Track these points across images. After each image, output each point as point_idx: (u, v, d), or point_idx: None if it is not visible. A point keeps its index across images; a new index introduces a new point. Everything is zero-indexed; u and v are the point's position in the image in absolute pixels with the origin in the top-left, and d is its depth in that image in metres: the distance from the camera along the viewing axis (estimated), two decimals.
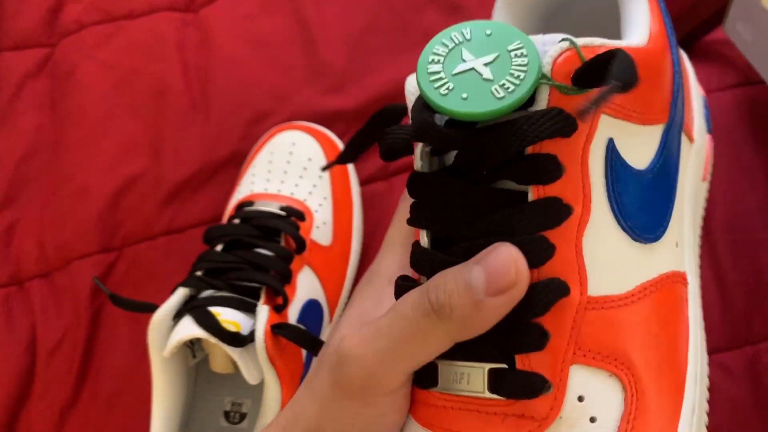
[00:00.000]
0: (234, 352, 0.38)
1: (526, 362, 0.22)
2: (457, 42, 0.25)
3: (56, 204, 0.56)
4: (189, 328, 0.38)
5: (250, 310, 0.41)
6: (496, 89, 0.22)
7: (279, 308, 0.41)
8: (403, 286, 0.25)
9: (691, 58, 0.59)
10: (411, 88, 0.27)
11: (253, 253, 0.43)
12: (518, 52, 0.23)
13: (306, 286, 0.45)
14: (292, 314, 0.43)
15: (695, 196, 0.29)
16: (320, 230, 0.48)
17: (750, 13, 0.50)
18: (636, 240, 0.23)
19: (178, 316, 0.40)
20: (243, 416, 0.46)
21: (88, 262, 0.54)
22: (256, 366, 0.39)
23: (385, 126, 0.27)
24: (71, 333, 0.52)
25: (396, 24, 0.60)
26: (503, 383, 0.22)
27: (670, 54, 0.26)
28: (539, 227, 0.22)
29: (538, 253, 0.22)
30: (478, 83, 0.23)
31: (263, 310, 0.40)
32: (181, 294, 0.41)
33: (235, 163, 0.55)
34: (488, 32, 0.25)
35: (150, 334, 0.40)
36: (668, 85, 0.25)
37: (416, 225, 0.25)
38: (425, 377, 0.24)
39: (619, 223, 0.23)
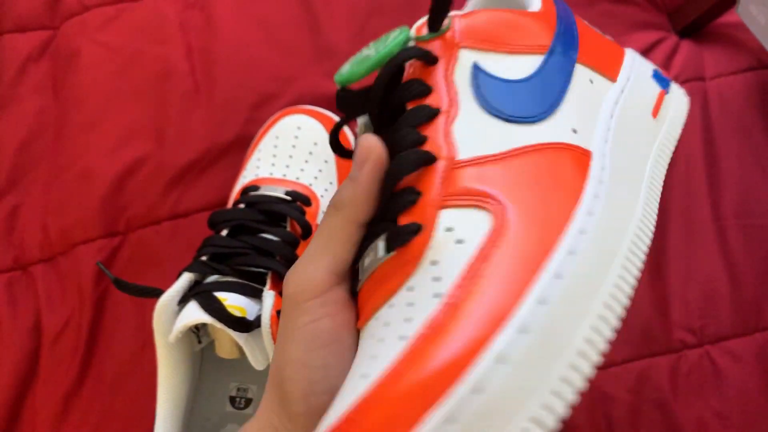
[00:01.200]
0: (240, 338, 0.38)
1: (404, 219, 0.27)
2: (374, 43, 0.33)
3: (59, 188, 0.55)
4: (195, 313, 0.38)
5: (256, 295, 0.40)
6: (368, 56, 0.31)
7: None
8: None
9: (703, 40, 0.59)
10: None
11: (259, 238, 0.43)
12: (395, 34, 0.31)
13: None
14: None
15: (647, 126, 0.35)
16: None
17: None
18: (508, 121, 0.29)
19: (183, 301, 0.40)
20: (248, 401, 0.46)
21: (92, 246, 0.54)
22: (261, 351, 0.39)
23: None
24: (75, 318, 0.52)
25: (401, 6, 0.59)
26: (390, 242, 0.27)
27: (555, 16, 0.34)
28: (413, 124, 0.29)
29: (410, 139, 0.28)
30: (360, 58, 0.31)
31: (269, 296, 0.39)
32: (186, 279, 0.40)
33: (239, 146, 0.55)
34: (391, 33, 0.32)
35: (155, 319, 0.39)
36: (546, 32, 0.33)
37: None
38: (354, 287, 0.29)
39: (489, 112, 0.29)
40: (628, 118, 0.34)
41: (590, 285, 0.24)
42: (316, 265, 0.27)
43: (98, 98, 0.57)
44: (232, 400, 0.46)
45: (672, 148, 0.36)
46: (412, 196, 0.27)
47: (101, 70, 0.58)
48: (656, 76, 0.39)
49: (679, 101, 0.39)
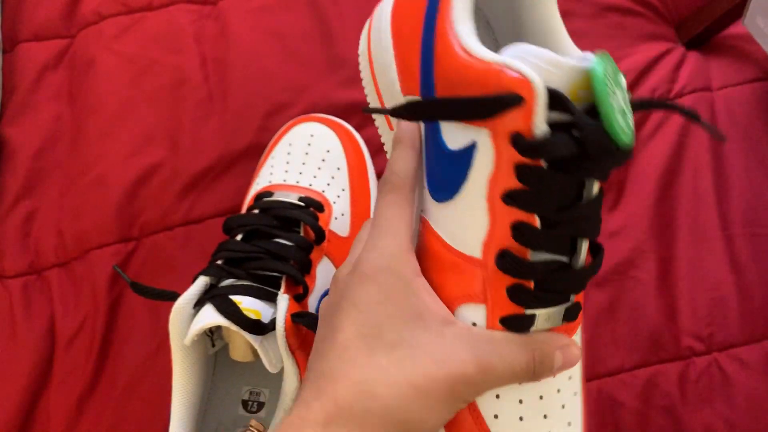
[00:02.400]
0: (255, 341, 0.39)
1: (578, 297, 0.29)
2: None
3: (75, 194, 0.56)
4: (211, 316, 0.38)
5: (270, 299, 0.41)
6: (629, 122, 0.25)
7: (299, 297, 0.41)
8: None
9: (709, 51, 0.60)
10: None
11: (273, 243, 0.44)
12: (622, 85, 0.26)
13: (325, 276, 0.45)
14: (312, 304, 0.43)
15: None
16: (338, 221, 0.48)
17: None
18: None
19: (198, 304, 0.40)
20: (261, 405, 0.46)
21: (107, 251, 0.54)
22: (276, 354, 0.39)
23: (486, 112, 0.26)
24: (89, 322, 0.53)
25: None
26: (568, 313, 0.29)
27: None
28: None
29: None
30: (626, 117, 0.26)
31: (284, 299, 0.40)
32: (201, 282, 0.41)
33: (252, 154, 0.55)
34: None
35: (171, 322, 0.40)
36: None
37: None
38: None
39: None
40: None
41: None
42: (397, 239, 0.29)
43: (113, 106, 0.58)
44: (245, 403, 0.46)
45: None
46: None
47: (117, 78, 0.59)
48: None
49: None
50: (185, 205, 0.55)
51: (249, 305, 0.40)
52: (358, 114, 0.56)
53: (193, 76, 0.59)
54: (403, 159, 0.30)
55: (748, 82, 0.58)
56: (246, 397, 0.46)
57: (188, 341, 0.39)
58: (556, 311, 0.28)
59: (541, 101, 0.24)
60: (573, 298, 0.28)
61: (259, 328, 0.39)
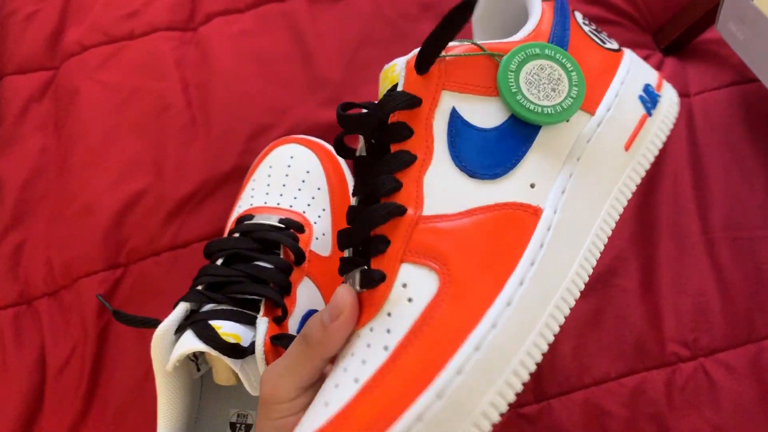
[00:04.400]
0: (235, 364, 0.39)
1: (375, 263, 0.30)
2: None
3: (62, 223, 0.57)
4: (190, 342, 0.39)
5: (250, 322, 0.41)
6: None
7: (279, 320, 0.42)
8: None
9: (686, 57, 0.60)
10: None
11: (253, 266, 0.44)
12: None
13: (306, 296, 0.46)
14: (293, 325, 0.43)
15: (615, 163, 0.35)
16: (320, 241, 0.49)
17: (742, 12, 0.51)
18: (472, 176, 0.31)
19: (180, 330, 0.41)
20: (249, 427, 0.46)
21: (95, 279, 0.55)
22: (257, 377, 0.40)
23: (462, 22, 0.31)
24: (79, 350, 0.53)
25: (391, 35, 0.60)
26: (362, 280, 0.31)
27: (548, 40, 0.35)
28: (391, 170, 0.31)
29: (387, 188, 0.31)
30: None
31: (263, 322, 0.40)
32: (182, 308, 0.41)
33: (236, 177, 0.56)
34: None
35: (153, 349, 0.40)
36: None
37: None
38: None
39: (456, 164, 0.31)
40: (597, 157, 0.34)
41: (503, 356, 0.27)
42: (285, 380, 0.31)
43: (98, 135, 0.59)
44: (233, 426, 0.46)
45: (640, 176, 0.36)
46: (382, 245, 0.31)
47: (101, 107, 0.60)
48: (646, 92, 0.38)
49: (664, 114, 0.38)
50: (171, 230, 0.56)
51: (229, 330, 0.40)
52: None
53: (175, 102, 0.59)
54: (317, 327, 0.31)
55: (725, 87, 0.58)
56: (234, 419, 0.47)
57: (170, 367, 0.40)
58: (356, 275, 0.32)
59: None
60: (371, 262, 0.31)
61: (239, 352, 0.39)
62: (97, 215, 0.56)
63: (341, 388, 0.28)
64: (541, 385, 0.50)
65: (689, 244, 0.53)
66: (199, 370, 0.44)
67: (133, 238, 0.56)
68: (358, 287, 0.31)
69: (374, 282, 0.30)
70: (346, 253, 0.34)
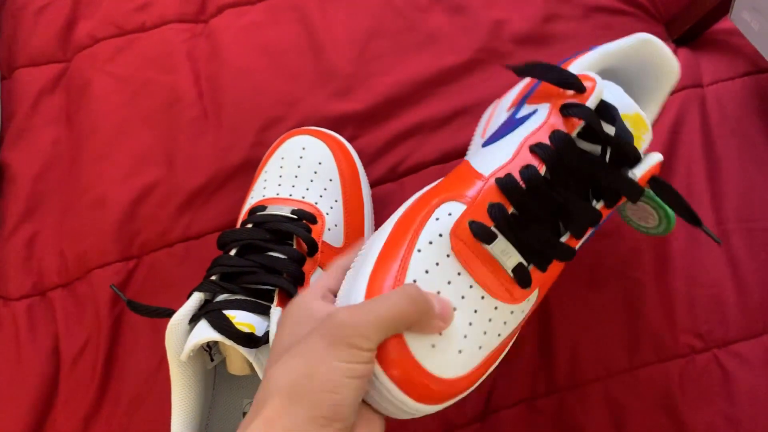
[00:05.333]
0: (249, 354, 0.39)
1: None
2: None
3: (75, 215, 0.57)
4: (204, 332, 0.39)
5: (264, 312, 0.41)
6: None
7: None
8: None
9: (699, 47, 0.60)
10: None
11: (266, 257, 0.44)
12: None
13: None
14: None
15: None
16: (332, 232, 0.49)
17: (756, 1, 0.50)
18: None
19: (194, 320, 0.41)
20: None
21: (108, 270, 0.55)
22: None
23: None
24: (93, 340, 0.53)
25: (401, 26, 0.60)
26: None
27: None
28: None
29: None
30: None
31: (276, 312, 0.40)
32: (196, 299, 0.42)
33: (247, 169, 0.56)
34: None
35: (167, 339, 0.40)
36: None
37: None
38: None
39: None
40: None
41: None
42: (377, 333, 0.31)
43: (110, 127, 0.59)
44: (246, 415, 0.46)
45: None
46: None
47: (112, 99, 0.60)
48: None
49: None
50: (183, 221, 0.56)
51: (243, 319, 0.40)
52: (350, 126, 0.57)
53: (186, 95, 0.59)
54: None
55: (739, 77, 0.58)
56: (247, 409, 0.47)
57: (184, 357, 0.40)
58: (511, 250, 0.34)
59: (596, 94, 0.37)
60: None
61: (253, 342, 0.39)
62: (110, 207, 0.56)
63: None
64: (555, 377, 0.50)
65: (703, 235, 0.52)
66: (212, 360, 0.45)
67: (146, 229, 0.56)
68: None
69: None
70: None
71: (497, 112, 0.47)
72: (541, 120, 0.37)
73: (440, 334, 0.33)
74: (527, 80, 0.46)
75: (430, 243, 0.35)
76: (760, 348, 0.49)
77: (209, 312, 0.40)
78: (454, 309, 0.34)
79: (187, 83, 0.60)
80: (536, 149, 0.36)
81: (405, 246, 0.35)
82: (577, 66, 0.43)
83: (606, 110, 0.37)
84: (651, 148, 0.55)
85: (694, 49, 0.60)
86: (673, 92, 0.57)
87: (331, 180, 0.51)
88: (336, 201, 0.51)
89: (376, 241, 0.36)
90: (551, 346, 0.51)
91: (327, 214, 0.49)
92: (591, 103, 0.37)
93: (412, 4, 0.61)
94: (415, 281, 0.33)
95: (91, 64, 0.62)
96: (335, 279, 0.37)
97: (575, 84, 0.37)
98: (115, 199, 0.57)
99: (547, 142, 0.36)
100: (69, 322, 0.54)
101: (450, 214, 0.35)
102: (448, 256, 0.34)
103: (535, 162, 0.35)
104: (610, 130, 0.36)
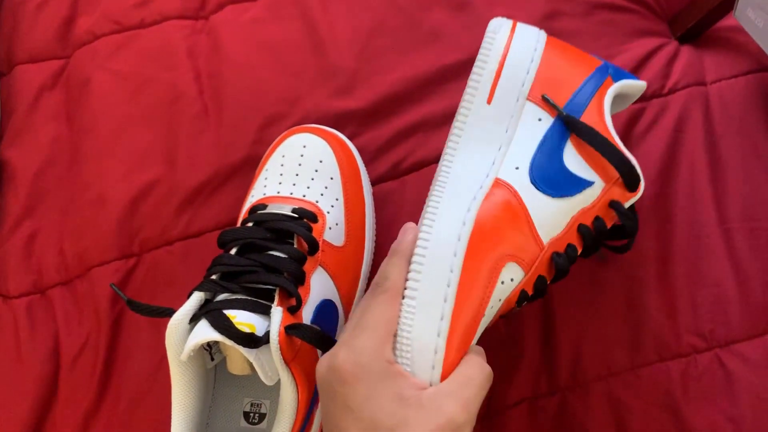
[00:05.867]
0: (249, 354, 0.39)
1: None
2: None
3: (75, 213, 0.57)
4: (205, 332, 0.39)
5: (264, 312, 0.41)
6: None
7: (293, 309, 0.42)
8: None
9: (703, 45, 0.59)
10: None
11: (267, 256, 0.44)
12: None
13: (320, 286, 0.45)
14: (307, 315, 0.43)
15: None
16: (333, 231, 0.49)
17: None
18: None
19: (194, 319, 0.41)
20: (262, 416, 0.46)
21: (108, 269, 0.55)
22: (271, 367, 0.40)
23: None
24: (93, 339, 0.53)
25: (403, 23, 0.60)
26: None
27: None
28: None
29: None
30: None
31: (277, 312, 0.40)
32: (196, 298, 0.41)
33: (248, 167, 0.56)
34: None
35: (167, 338, 0.40)
36: None
37: None
38: None
39: None
40: None
41: None
42: (477, 402, 0.34)
43: (110, 124, 0.59)
44: (246, 415, 0.46)
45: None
46: None
47: (112, 96, 0.60)
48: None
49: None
50: (184, 219, 0.56)
51: (243, 319, 0.40)
52: (351, 123, 0.57)
53: (187, 92, 0.59)
54: (399, 268, 0.36)
55: (743, 75, 0.57)
56: (247, 408, 0.47)
57: (184, 357, 0.40)
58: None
59: (638, 196, 0.42)
60: None
61: (254, 342, 0.39)
62: (110, 205, 0.56)
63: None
64: (557, 376, 0.50)
65: (706, 235, 0.52)
66: (213, 359, 0.45)
67: (146, 227, 0.56)
68: None
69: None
70: None
71: (507, 77, 0.43)
72: (593, 199, 0.40)
73: None
74: (534, 61, 0.44)
75: (491, 307, 0.38)
76: (762, 348, 0.49)
77: (209, 312, 0.40)
78: None
79: (188, 80, 0.60)
80: (583, 230, 0.40)
81: (474, 314, 0.36)
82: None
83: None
84: (653, 147, 0.55)
85: (697, 46, 0.59)
86: (676, 91, 0.57)
87: (332, 178, 0.51)
88: (337, 199, 0.50)
89: (436, 296, 0.36)
90: (553, 345, 0.51)
91: (328, 212, 0.49)
92: (630, 203, 0.42)
93: (414, 2, 0.61)
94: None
95: (91, 61, 0.61)
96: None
97: (633, 179, 0.41)
98: (116, 196, 0.56)
99: (591, 227, 0.41)
100: (69, 321, 0.54)
101: (512, 280, 0.38)
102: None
103: (577, 243, 0.41)
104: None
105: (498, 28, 0.43)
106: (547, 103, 0.41)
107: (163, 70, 0.60)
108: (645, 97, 0.56)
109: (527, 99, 0.41)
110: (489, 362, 0.37)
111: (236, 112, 0.58)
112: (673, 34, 0.60)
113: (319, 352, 0.43)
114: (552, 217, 0.39)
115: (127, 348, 0.53)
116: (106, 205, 0.56)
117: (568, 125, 0.41)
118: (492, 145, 0.41)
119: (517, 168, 0.40)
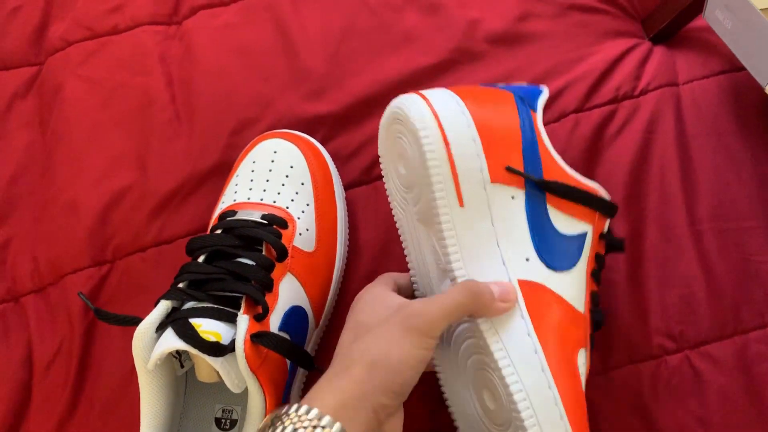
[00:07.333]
0: (215, 362, 0.39)
1: None
2: None
3: (48, 220, 0.57)
4: (170, 341, 0.39)
5: (231, 320, 0.41)
6: None
7: (260, 317, 0.42)
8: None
9: (675, 45, 0.59)
10: None
11: (235, 263, 0.44)
12: None
13: (289, 292, 0.45)
14: (275, 322, 0.43)
15: None
16: (303, 237, 0.49)
17: (728, 0, 0.50)
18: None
19: (161, 328, 0.41)
20: (233, 423, 0.47)
21: (81, 276, 0.55)
22: (238, 375, 0.40)
23: None
24: (66, 346, 0.53)
25: (375, 26, 0.60)
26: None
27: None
28: None
29: None
30: None
31: (243, 320, 0.40)
32: (163, 307, 0.41)
33: (220, 172, 0.56)
34: None
35: (134, 348, 0.40)
36: None
37: None
38: None
39: None
40: None
41: None
42: (443, 322, 0.37)
43: (83, 131, 0.59)
44: (218, 421, 0.47)
45: None
46: None
47: (85, 103, 0.60)
48: None
49: None
50: (156, 226, 0.56)
51: (209, 327, 0.40)
52: (324, 127, 0.57)
53: (159, 97, 0.59)
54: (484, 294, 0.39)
55: (714, 75, 0.57)
56: (219, 415, 0.47)
57: (151, 366, 0.40)
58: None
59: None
60: None
61: (219, 350, 0.39)
62: (83, 212, 0.56)
63: None
64: None
65: (676, 236, 0.52)
66: (182, 366, 0.45)
67: (119, 234, 0.56)
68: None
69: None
70: None
71: (464, 173, 0.41)
72: (591, 245, 0.43)
73: None
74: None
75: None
76: (730, 349, 0.49)
77: (175, 320, 0.40)
78: None
79: (160, 86, 0.59)
80: (595, 275, 0.43)
81: (583, 409, 0.40)
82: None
83: None
84: (625, 149, 0.55)
85: (670, 47, 0.59)
86: (647, 92, 0.57)
87: (302, 184, 0.51)
88: (308, 205, 0.50)
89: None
90: None
91: (298, 218, 0.49)
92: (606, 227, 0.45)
93: (386, 4, 0.60)
94: None
95: (64, 67, 0.61)
96: (403, 277, 0.46)
97: (612, 208, 0.44)
98: (88, 203, 0.56)
99: (597, 267, 0.44)
100: (42, 328, 0.54)
101: (584, 364, 0.41)
102: None
103: (595, 286, 0.43)
104: None
105: (422, 123, 0.39)
106: (512, 173, 0.40)
107: (136, 75, 0.60)
108: (617, 99, 0.56)
109: (492, 183, 0.40)
110: None
111: (208, 117, 0.58)
112: (646, 34, 0.60)
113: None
114: (578, 287, 0.41)
115: (100, 355, 0.53)
116: (78, 211, 0.56)
117: (542, 189, 0.41)
118: (490, 245, 0.40)
119: (527, 260, 0.41)
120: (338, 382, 0.35)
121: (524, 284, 0.40)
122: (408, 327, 0.36)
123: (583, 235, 0.42)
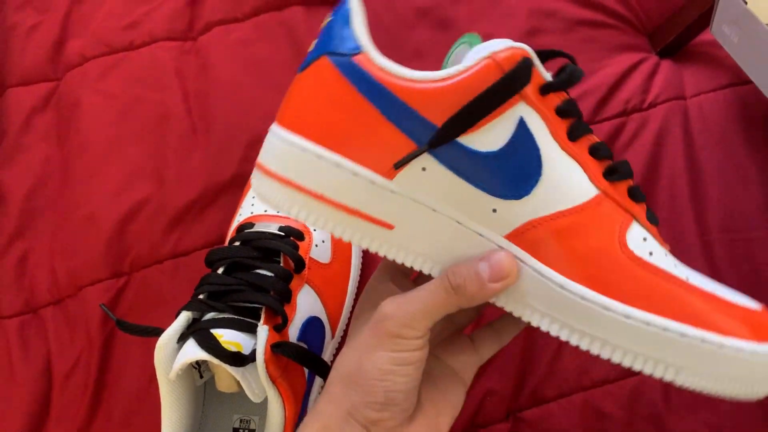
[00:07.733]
0: (236, 372, 0.40)
1: None
2: None
3: (66, 233, 0.58)
4: (192, 351, 0.39)
5: (251, 330, 0.42)
6: None
7: (279, 327, 0.42)
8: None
9: (682, 59, 0.60)
10: None
11: (253, 275, 0.45)
12: None
13: (306, 304, 0.46)
14: (293, 332, 0.44)
15: None
16: (319, 248, 0.49)
17: (735, 15, 0.51)
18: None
19: (182, 338, 0.41)
20: None
21: (99, 287, 0.56)
22: (258, 385, 0.40)
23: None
24: (85, 358, 0.54)
25: (388, 42, 0.61)
26: None
27: None
28: None
29: None
30: None
31: (263, 330, 0.41)
32: (184, 318, 0.42)
33: (236, 184, 0.57)
34: None
35: (156, 358, 0.41)
36: None
37: None
38: None
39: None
40: None
41: None
42: (420, 321, 0.33)
43: (100, 145, 0.60)
44: (236, 431, 0.47)
45: None
46: None
47: (102, 117, 0.61)
48: None
49: None
50: (173, 238, 0.57)
51: (230, 338, 0.41)
52: None
53: (176, 111, 0.60)
54: (472, 281, 0.33)
55: (721, 89, 0.58)
56: (237, 425, 0.47)
57: (172, 376, 0.41)
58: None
59: (537, 59, 0.32)
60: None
61: (240, 360, 0.40)
62: (100, 224, 0.57)
63: None
64: (541, 388, 0.51)
65: (685, 246, 0.53)
66: (202, 377, 0.45)
67: (136, 246, 0.56)
68: None
69: None
70: None
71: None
72: (539, 118, 0.33)
73: None
74: None
75: None
76: None
77: (197, 331, 0.41)
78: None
79: (176, 100, 0.61)
80: (576, 135, 0.34)
81: None
82: None
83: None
84: (634, 161, 0.56)
85: (677, 61, 0.60)
86: (656, 105, 0.58)
87: None
88: None
89: None
90: (535, 357, 0.51)
91: (314, 230, 0.50)
92: (543, 70, 0.33)
93: (398, 20, 0.62)
94: None
95: (81, 83, 0.62)
96: None
97: (527, 70, 0.31)
98: (106, 216, 0.57)
99: (571, 119, 0.34)
100: (61, 340, 0.55)
101: (642, 238, 0.34)
102: None
103: (592, 140, 0.35)
104: None
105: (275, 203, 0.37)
106: (402, 165, 0.32)
107: (152, 90, 0.61)
108: (626, 112, 0.57)
109: (391, 181, 0.33)
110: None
111: (224, 131, 0.59)
112: (654, 48, 0.61)
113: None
114: (567, 178, 0.32)
115: (118, 366, 0.54)
116: (96, 224, 0.57)
117: (441, 141, 0.31)
118: (450, 231, 0.34)
119: (494, 210, 0.33)
120: (319, 406, 0.34)
121: (514, 236, 0.32)
122: (378, 333, 0.33)
123: (519, 129, 0.31)
